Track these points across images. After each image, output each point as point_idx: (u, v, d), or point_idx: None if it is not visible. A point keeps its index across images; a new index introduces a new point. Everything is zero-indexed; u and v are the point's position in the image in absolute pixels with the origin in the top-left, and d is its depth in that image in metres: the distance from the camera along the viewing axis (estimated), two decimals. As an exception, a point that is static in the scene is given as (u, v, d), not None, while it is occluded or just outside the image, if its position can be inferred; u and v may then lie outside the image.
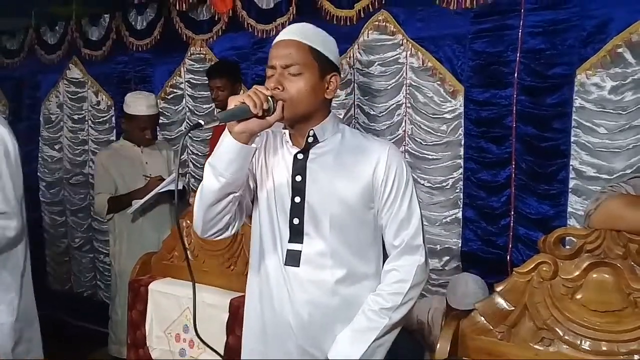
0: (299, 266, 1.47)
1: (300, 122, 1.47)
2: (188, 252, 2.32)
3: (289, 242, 1.49)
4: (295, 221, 1.48)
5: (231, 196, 1.41)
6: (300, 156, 1.49)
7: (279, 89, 1.39)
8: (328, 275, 1.47)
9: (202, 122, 1.28)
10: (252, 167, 1.54)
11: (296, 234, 1.48)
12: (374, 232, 1.52)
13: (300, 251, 1.48)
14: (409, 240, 1.48)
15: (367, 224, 1.50)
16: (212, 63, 3.69)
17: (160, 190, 3.04)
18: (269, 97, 1.36)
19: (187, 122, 4.01)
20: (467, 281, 2.46)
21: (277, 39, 1.47)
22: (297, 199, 1.48)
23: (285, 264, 1.48)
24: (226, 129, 1.36)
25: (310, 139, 1.48)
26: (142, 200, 3.05)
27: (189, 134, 3.94)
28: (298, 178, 1.48)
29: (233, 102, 1.33)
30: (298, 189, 1.48)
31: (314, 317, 1.47)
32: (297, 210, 1.48)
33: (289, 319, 1.49)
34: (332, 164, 1.48)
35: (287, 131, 1.52)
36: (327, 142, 1.50)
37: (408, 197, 1.49)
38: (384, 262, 1.54)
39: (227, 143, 1.34)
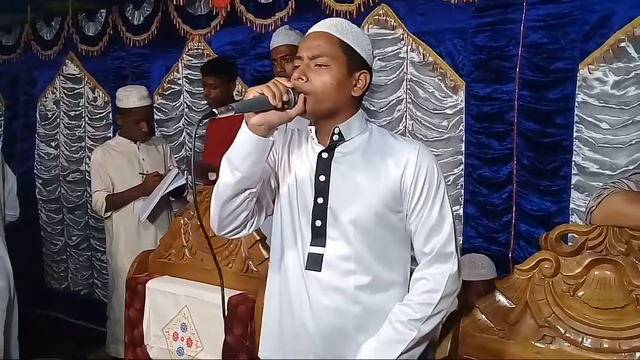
0: (320, 271, 1.40)
1: (324, 118, 1.41)
2: (186, 249, 2.31)
3: (310, 245, 1.41)
4: (318, 223, 1.41)
5: (247, 192, 1.35)
6: (324, 155, 1.42)
7: (302, 79, 1.35)
8: (351, 282, 1.39)
9: (217, 112, 1.23)
10: (275, 164, 1.48)
11: (318, 236, 1.41)
12: (402, 238, 1.44)
13: (322, 255, 1.40)
14: (440, 248, 1.39)
15: (394, 228, 1.42)
16: (210, 59, 3.67)
17: (165, 192, 3.02)
18: (290, 89, 1.31)
19: (185, 118, 3.98)
20: (474, 256, 2.57)
21: (310, 30, 1.43)
22: (320, 200, 1.41)
23: (306, 268, 1.41)
24: (243, 120, 1.30)
25: (336, 137, 1.41)
26: (151, 207, 3.02)
27: (189, 130, 3.93)
28: (322, 178, 1.41)
29: (251, 93, 1.28)
30: (321, 189, 1.41)
31: (334, 325, 1.40)
32: (319, 211, 1.41)
33: (308, 325, 1.42)
34: (358, 164, 1.41)
35: (313, 127, 1.45)
36: (353, 140, 1.43)
37: (439, 201, 1.40)
38: (412, 269, 1.46)
39: (243, 135, 1.30)
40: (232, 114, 1.24)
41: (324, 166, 1.42)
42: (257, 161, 1.31)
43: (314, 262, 1.40)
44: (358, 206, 1.39)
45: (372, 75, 1.46)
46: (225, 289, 2.10)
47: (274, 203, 1.50)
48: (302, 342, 1.43)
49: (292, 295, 1.44)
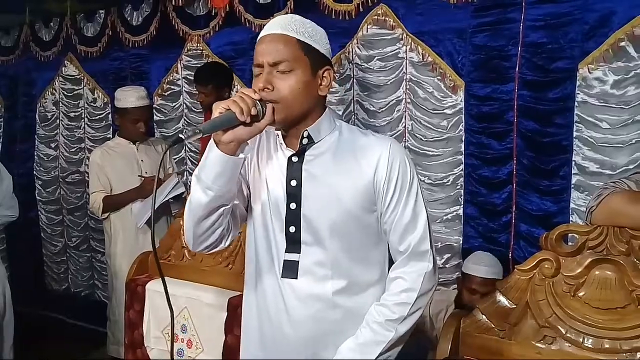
0: (296, 278, 1.38)
1: (294, 124, 1.37)
2: (185, 250, 2.30)
3: (285, 252, 1.39)
4: (292, 229, 1.38)
5: (222, 209, 1.32)
6: (294, 159, 1.39)
7: (268, 89, 1.29)
8: (328, 287, 1.37)
9: (183, 136, 1.19)
10: (245, 172, 1.45)
11: (293, 243, 1.38)
12: (377, 236, 1.43)
13: (298, 262, 1.38)
14: (416, 245, 1.38)
15: (369, 228, 1.40)
16: (208, 60, 3.67)
17: (164, 200, 3.02)
18: (257, 101, 1.27)
19: (184, 119, 3.97)
20: (487, 255, 2.60)
21: (263, 33, 1.36)
22: (293, 205, 1.37)
23: (282, 277, 1.39)
24: (212, 139, 1.27)
25: (305, 140, 1.38)
26: (149, 213, 3.02)
27: (188, 130, 3.92)
28: (293, 183, 1.38)
29: (217, 110, 1.24)
30: (293, 194, 1.38)
31: (314, 333, 1.39)
32: (293, 217, 1.38)
33: (288, 334, 1.40)
34: (329, 166, 1.38)
35: (280, 132, 1.42)
36: (323, 141, 1.40)
37: (413, 198, 1.39)
38: (389, 263, 1.45)
39: (214, 155, 1.26)
40: (199, 136, 1.22)
41: (294, 170, 1.39)
42: (230, 180, 1.28)
43: (290, 270, 1.38)
44: (332, 209, 1.36)
45: (334, 69, 1.42)
46: (225, 289, 2.12)
47: (247, 211, 1.48)
48: (283, 350, 1.42)
49: (270, 305, 1.43)
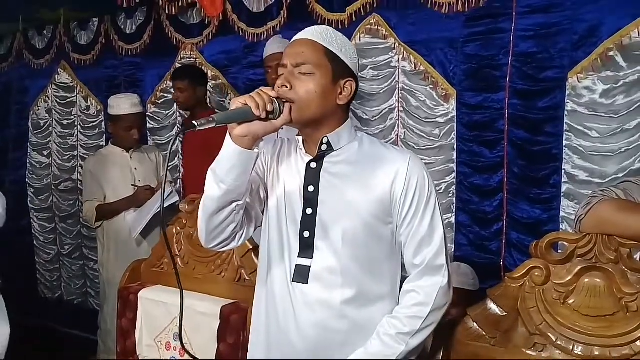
0: (307, 283, 1.38)
1: (311, 127, 1.39)
2: (178, 258, 2.30)
3: (298, 256, 1.40)
4: (306, 234, 1.39)
5: (234, 204, 1.33)
6: (313, 165, 1.40)
7: (286, 87, 1.32)
8: (337, 295, 1.37)
9: (197, 124, 1.20)
10: (264, 175, 1.47)
11: (306, 247, 1.39)
12: (391, 249, 1.42)
13: (309, 267, 1.38)
14: (431, 260, 1.37)
15: (383, 239, 1.40)
16: (203, 67, 3.69)
17: (158, 210, 3.02)
18: (274, 99, 1.29)
19: (177, 126, 3.98)
20: (462, 265, 2.56)
21: (294, 38, 1.41)
22: (309, 211, 1.39)
23: (293, 281, 1.40)
24: (227, 132, 1.28)
25: (324, 147, 1.40)
26: (144, 224, 3.02)
27: (181, 138, 3.92)
28: (310, 188, 1.39)
29: (235, 104, 1.26)
30: (310, 199, 1.39)
31: (320, 341, 1.39)
32: (308, 222, 1.39)
33: (294, 340, 1.40)
34: (348, 174, 1.39)
35: (300, 137, 1.43)
36: (342, 150, 1.41)
37: (430, 212, 1.38)
38: (401, 280, 1.44)
39: (227, 147, 1.28)
40: (212, 126, 1.22)
41: (312, 176, 1.40)
42: (242, 174, 1.29)
43: (301, 275, 1.39)
44: (347, 217, 1.37)
45: (358, 84, 1.44)
46: (218, 298, 2.12)
47: (263, 214, 1.49)
48: (289, 356, 1.42)
49: (278, 309, 1.43)
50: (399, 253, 1.44)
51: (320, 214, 1.38)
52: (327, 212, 1.38)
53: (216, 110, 3.52)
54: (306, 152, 1.43)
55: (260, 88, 1.30)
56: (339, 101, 1.39)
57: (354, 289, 1.38)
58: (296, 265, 1.40)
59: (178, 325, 1.38)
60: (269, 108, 1.27)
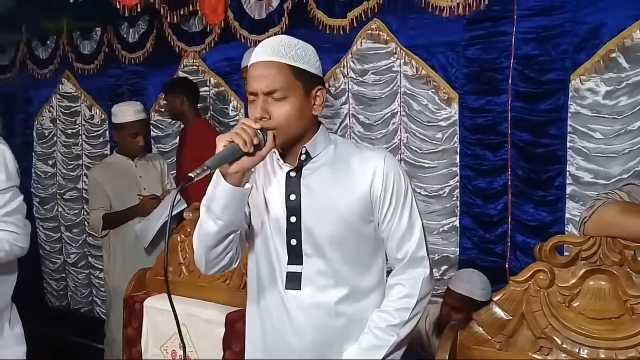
0: (300, 289, 1.42)
1: (293, 144, 1.41)
2: (183, 266, 2.31)
3: (288, 264, 1.43)
4: (293, 242, 1.42)
5: (232, 235, 1.37)
6: (293, 174, 1.43)
7: (265, 117, 1.33)
8: (331, 296, 1.42)
9: (193, 175, 1.20)
10: None
11: (295, 255, 1.42)
12: (375, 244, 1.47)
13: (301, 273, 1.42)
14: (413, 253, 1.44)
15: (367, 237, 1.45)
16: (204, 76, 3.72)
17: (166, 219, 3.03)
18: (258, 131, 1.30)
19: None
20: (475, 273, 2.59)
21: (253, 59, 1.36)
22: (293, 219, 1.42)
23: (286, 288, 1.43)
24: (217, 170, 1.29)
25: (303, 157, 1.42)
26: (154, 232, 3.03)
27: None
28: (292, 197, 1.42)
29: (221, 143, 1.27)
30: (293, 208, 1.42)
31: (318, 340, 1.43)
32: (293, 230, 1.42)
33: (292, 342, 1.44)
34: (327, 179, 1.42)
35: (277, 150, 1.45)
36: (319, 156, 1.44)
37: (408, 208, 1.44)
38: (387, 270, 1.50)
39: (222, 187, 1.29)
40: (208, 173, 1.24)
41: (293, 185, 1.43)
42: (238, 210, 1.33)
43: (293, 281, 1.42)
44: (331, 221, 1.41)
45: (325, 86, 1.45)
46: (223, 305, 2.12)
47: (249, 227, 1.51)
48: (288, 357, 1.45)
49: (274, 318, 1.46)
50: (382, 246, 1.49)
51: (305, 221, 1.41)
52: (311, 218, 1.41)
53: (204, 118, 3.57)
54: (285, 162, 1.45)
55: (242, 121, 1.30)
56: (315, 112, 1.41)
57: (347, 288, 1.43)
58: (287, 272, 1.43)
59: (178, 334, 1.38)
60: (255, 141, 1.28)
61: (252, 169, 1.36)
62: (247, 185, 1.33)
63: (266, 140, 1.31)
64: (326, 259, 1.41)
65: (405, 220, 1.44)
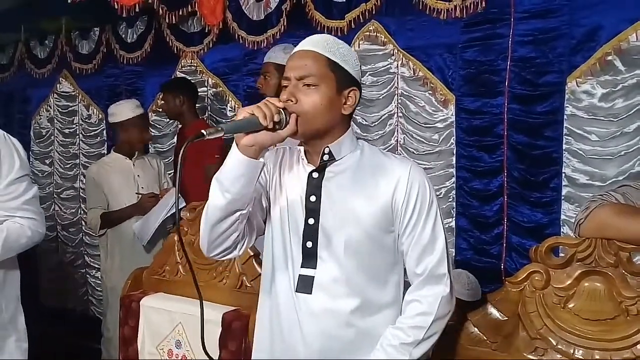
0: (311, 293, 1.37)
1: (315, 138, 1.38)
2: (179, 265, 2.31)
3: (301, 266, 1.39)
4: (309, 244, 1.38)
5: (238, 213, 1.32)
6: (315, 175, 1.40)
7: (291, 101, 1.31)
8: (342, 305, 1.36)
9: (205, 133, 1.19)
10: (266, 185, 1.46)
11: (309, 258, 1.38)
12: (394, 257, 1.41)
13: (313, 277, 1.37)
14: (433, 268, 1.37)
15: (386, 248, 1.40)
16: (202, 76, 3.72)
17: (166, 216, 3.04)
18: (281, 110, 1.28)
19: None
20: (463, 273, 2.55)
21: (295, 49, 1.39)
22: (311, 221, 1.38)
23: (296, 291, 1.38)
24: (234, 141, 1.28)
25: (326, 157, 1.39)
26: (153, 230, 3.04)
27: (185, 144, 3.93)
28: (312, 198, 1.38)
29: (242, 114, 1.26)
30: (312, 209, 1.38)
31: (326, 350, 1.38)
32: (310, 232, 1.38)
33: (299, 350, 1.39)
34: (349, 184, 1.38)
35: (302, 148, 1.43)
36: (344, 160, 1.40)
37: (432, 221, 1.38)
38: (405, 288, 1.43)
39: (234, 157, 1.27)
40: (221, 135, 1.22)
41: (314, 186, 1.39)
42: (248, 183, 1.29)
43: (305, 285, 1.38)
44: (350, 227, 1.36)
45: (362, 91, 1.44)
46: (219, 305, 2.12)
47: (265, 223, 1.48)
48: None
49: (283, 321, 1.42)
50: (402, 260, 1.43)
51: (323, 224, 1.38)
52: (330, 221, 1.37)
53: (202, 118, 3.57)
54: (308, 162, 1.43)
55: (267, 98, 1.30)
56: (344, 111, 1.38)
57: (359, 298, 1.37)
58: (299, 275, 1.39)
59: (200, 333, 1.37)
60: (275, 118, 1.26)
61: (268, 148, 1.32)
62: (261, 160, 1.29)
63: (288, 122, 1.30)
64: (341, 265, 1.36)
65: (428, 233, 1.37)
